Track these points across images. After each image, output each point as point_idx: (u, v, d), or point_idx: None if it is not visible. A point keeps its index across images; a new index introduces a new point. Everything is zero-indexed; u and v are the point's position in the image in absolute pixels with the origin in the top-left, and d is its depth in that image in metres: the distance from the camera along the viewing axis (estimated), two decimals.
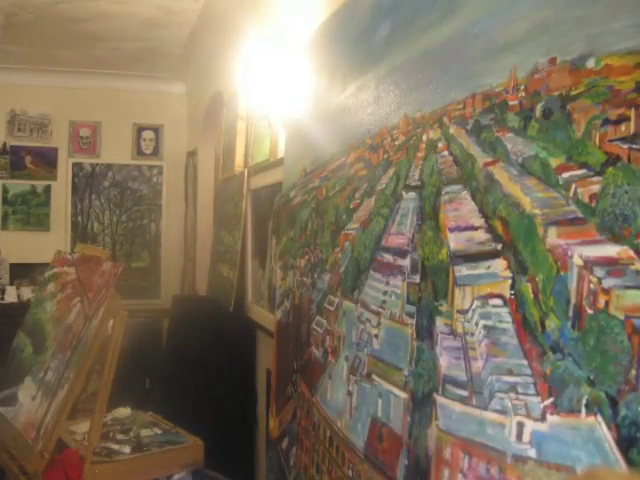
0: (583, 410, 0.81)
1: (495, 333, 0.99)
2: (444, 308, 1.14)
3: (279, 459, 2.11)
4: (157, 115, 5.65)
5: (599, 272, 0.80)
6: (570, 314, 0.84)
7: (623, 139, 0.79)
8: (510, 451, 0.93)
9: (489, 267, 1.02)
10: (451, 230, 1.14)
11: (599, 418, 0.78)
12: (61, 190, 5.49)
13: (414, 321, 1.25)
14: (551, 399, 0.86)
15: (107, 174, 5.61)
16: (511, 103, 1.01)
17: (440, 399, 1.13)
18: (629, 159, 0.77)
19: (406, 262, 1.30)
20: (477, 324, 1.04)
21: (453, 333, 1.10)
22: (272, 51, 2.67)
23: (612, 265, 0.78)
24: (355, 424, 1.48)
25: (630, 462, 0.74)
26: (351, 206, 1.64)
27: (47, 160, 5.49)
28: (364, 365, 1.46)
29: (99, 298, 2.27)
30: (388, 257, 1.38)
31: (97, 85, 5.45)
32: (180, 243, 5.54)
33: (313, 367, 1.82)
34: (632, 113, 0.77)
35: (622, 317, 0.76)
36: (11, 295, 5.06)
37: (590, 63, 0.85)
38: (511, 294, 0.96)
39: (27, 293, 5.03)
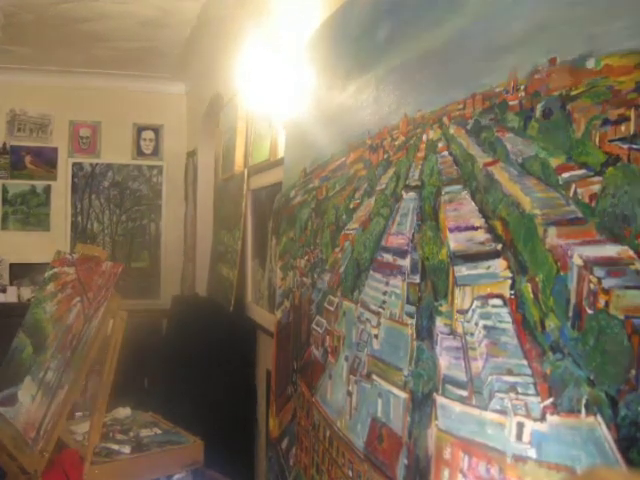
0: (583, 410, 0.81)
1: (495, 333, 0.99)
2: (444, 308, 1.14)
3: (279, 459, 2.11)
4: (157, 115, 5.65)
5: (599, 272, 0.80)
6: (570, 314, 0.84)
7: (623, 139, 0.79)
8: (510, 451, 0.93)
9: (489, 267, 1.02)
10: (451, 230, 1.14)
11: (599, 418, 0.78)
12: (61, 190, 5.50)
13: (414, 321, 1.25)
14: (551, 399, 0.86)
15: (107, 174, 5.61)
16: (511, 103, 1.01)
17: (440, 399, 1.13)
18: (629, 159, 0.77)
19: (406, 262, 1.30)
20: (477, 324, 1.04)
21: (453, 333, 1.10)
22: (272, 51, 2.67)
23: (612, 265, 0.78)
24: (355, 424, 1.48)
25: (630, 462, 0.74)
26: (351, 206, 1.64)
27: (47, 160, 5.49)
28: (364, 365, 1.46)
29: (99, 298, 2.27)
30: (388, 257, 1.38)
31: (97, 85, 5.45)
32: (180, 243, 5.54)
33: (313, 367, 1.82)
34: (632, 113, 0.77)
35: (622, 317, 0.76)
36: (11, 295, 5.07)
37: (590, 63, 0.85)
38: (511, 294, 0.96)
39: (27, 293, 5.04)
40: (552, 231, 0.89)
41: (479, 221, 1.06)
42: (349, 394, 1.53)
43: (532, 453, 0.89)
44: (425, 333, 1.20)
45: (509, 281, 0.97)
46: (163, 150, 5.69)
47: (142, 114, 5.61)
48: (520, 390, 0.92)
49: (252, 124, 3.30)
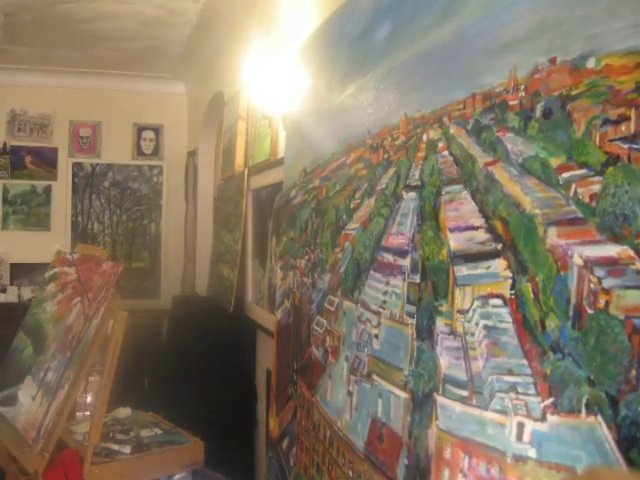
0: (583, 410, 0.81)
1: (495, 333, 0.99)
2: (444, 308, 1.14)
3: (279, 459, 2.11)
4: (157, 115, 5.65)
5: (599, 272, 0.80)
6: (570, 314, 0.84)
7: (623, 139, 0.79)
8: (510, 451, 0.93)
9: (489, 267, 1.02)
10: (451, 230, 1.14)
11: (599, 418, 0.78)
12: (61, 190, 5.50)
13: (414, 321, 1.25)
14: (551, 399, 0.86)
15: (107, 174, 5.61)
16: (511, 103, 1.01)
17: (440, 399, 1.13)
18: (629, 159, 0.77)
19: (406, 262, 1.30)
20: (477, 324, 1.04)
21: (453, 333, 1.10)
22: (272, 51, 2.67)
23: (612, 265, 0.78)
24: (355, 424, 1.48)
25: (630, 462, 0.74)
26: (351, 206, 1.64)
27: (47, 160, 5.49)
28: (364, 365, 1.46)
29: (99, 298, 2.27)
30: (388, 257, 1.38)
31: (97, 85, 5.45)
32: (180, 243, 5.54)
33: (313, 367, 1.82)
34: (632, 113, 0.77)
35: (622, 317, 0.76)
36: (11, 295, 5.07)
37: (590, 63, 0.85)
38: (511, 294, 0.96)
39: (27, 293, 5.04)
40: (552, 231, 0.88)
41: (479, 221, 1.06)
42: (349, 394, 1.53)
43: (532, 453, 0.89)
44: (425, 333, 1.20)
45: (509, 281, 0.97)
46: (163, 150, 5.69)
47: (142, 114, 5.61)
48: (520, 390, 0.92)
49: (252, 124, 3.30)
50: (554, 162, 0.90)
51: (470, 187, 1.10)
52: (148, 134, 5.66)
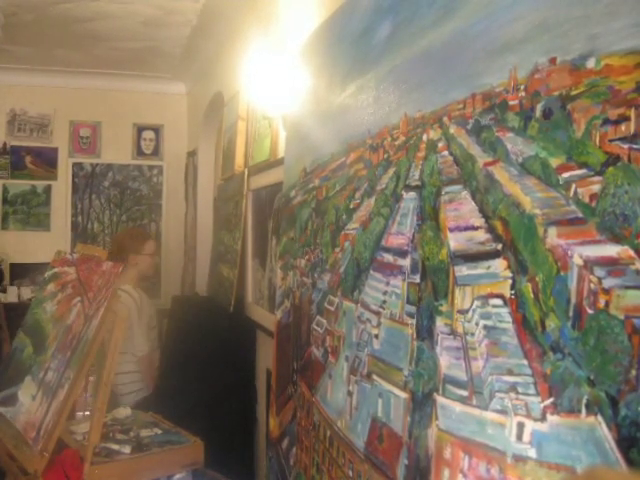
0: (583, 410, 0.81)
1: (495, 333, 0.99)
2: (444, 308, 1.14)
3: (279, 459, 2.11)
4: (157, 115, 5.65)
5: (599, 272, 0.80)
6: (570, 314, 0.84)
7: (623, 139, 0.79)
8: (510, 451, 0.93)
9: (489, 267, 1.02)
10: (451, 230, 1.14)
11: (599, 418, 0.78)
12: (61, 190, 5.50)
13: (414, 321, 1.25)
14: (551, 399, 0.86)
15: (107, 174, 5.61)
16: (511, 103, 1.01)
17: (440, 399, 1.13)
18: (629, 159, 0.77)
19: (406, 262, 1.30)
20: (477, 324, 1.04)
21: (453, 333, 1.10)
22: (273, 51, 2.67)
23: (612, 265, 0.78)
24: (355, 424, 1.48)
25: (630, 462, 0.74)
26: (351, 206, 1.64)
27: (47, 160, 5.49)
28: (364, 365, 1.46)
29: (99, 298, 2.27)
30: (388, 257, 1.38)
31: (97, 85, 5.45)
32: (180, 243, 5.54)
33: (313, 367, 1.82)
34: (632, 113, 0.77)
35: (622, 317, 0.76)
36: (11, 295, 5.07)
37: (590, 63, 0.85)
38: (511, 294, 0.96)
39: (27, 293, 5.04)
40: (552, 231, 0.88)
41: (479, 221, 1.06)
42: (349, 394, 1.53)
43: (532, 453, 0.89)
44: (425, 333, 1.20)
45: (509, 281, 0.97)
46: (163, 150, 5.69)
47: (142, 114, 5.62)
48: (520, 390, 0.92)
49: (252, 124, 3.30)
50: (554, 162, 0.90)
51: (470, 187, 1.10)
52: (148, 134, 5.66)
